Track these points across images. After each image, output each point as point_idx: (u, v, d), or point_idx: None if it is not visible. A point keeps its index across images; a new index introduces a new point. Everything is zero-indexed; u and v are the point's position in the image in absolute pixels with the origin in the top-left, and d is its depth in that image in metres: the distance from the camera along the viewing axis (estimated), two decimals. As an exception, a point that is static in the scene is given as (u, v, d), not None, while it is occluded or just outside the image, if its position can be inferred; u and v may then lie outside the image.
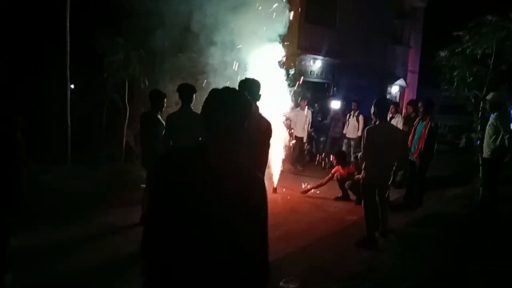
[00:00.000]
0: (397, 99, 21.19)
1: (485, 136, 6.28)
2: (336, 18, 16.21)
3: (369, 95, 11.51)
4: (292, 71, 10.47)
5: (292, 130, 10.00)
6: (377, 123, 5.08)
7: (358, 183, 6.09)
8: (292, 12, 7.69)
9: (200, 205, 1.58)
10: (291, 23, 7.67)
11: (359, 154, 5.99)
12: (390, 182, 5.25)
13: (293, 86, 10.10)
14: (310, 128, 10.53)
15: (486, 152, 6.26)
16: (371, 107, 5.11)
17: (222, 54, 7.24)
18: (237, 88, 2.52)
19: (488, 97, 6.45)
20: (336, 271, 4.32)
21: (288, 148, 9.12)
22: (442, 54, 7.07)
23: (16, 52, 7.45)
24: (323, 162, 10.48)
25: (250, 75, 4.89)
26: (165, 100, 5.44)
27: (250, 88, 3.59)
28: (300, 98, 10.37)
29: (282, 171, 8.01)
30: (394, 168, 5.14)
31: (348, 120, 10.28)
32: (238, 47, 7.16)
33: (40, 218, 5.09)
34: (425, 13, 23.66)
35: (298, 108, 10.08)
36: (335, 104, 11.27)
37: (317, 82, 15.74)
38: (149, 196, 1.73)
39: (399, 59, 21.87)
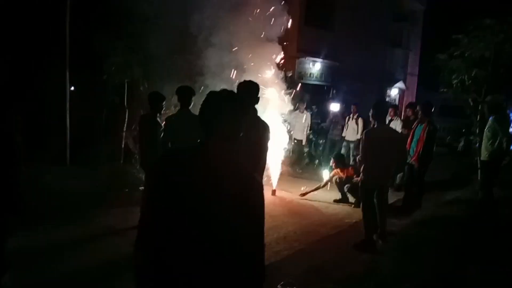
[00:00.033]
0: (397, 102, 21.16)
1: (484, 138, 6.30)
2: (335, 20, 16.23)
3: (369, 98, 11.54)
4: (289, 74, 10.46)
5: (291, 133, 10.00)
6: (375, 126, 5.09)
7: (357, 186, 6.10)
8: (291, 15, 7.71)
9: (200, 205, 1.60)
10: (290, 25, 7.69)
11: (358, 157, 6.01)
12: (389, 183, 5.26)
13: (292, 89, 10.10)
14: (309, 130, 10.53)
15: (484, 155, 6.28)
16: (370, 109, 5.13)
17: (220, 56, 7.25)
18: (235, 91, 2.53)
19: (487, 100, 6.49)
20: (336, 272, 4.33)
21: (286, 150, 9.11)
22: (441, 57, 7.10)
23: (16, 53, 7.46)
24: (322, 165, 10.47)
25: (248, 77, 4.90)
26: (164, 102, 5.45)
27: (248, 90, 3.58)
28: (299, 101, 10.37)
29: (281, 174, 8.02)
30: (393, 169, 5.15)
31: (347, 122, 10.25)
32: (234, 49, 7.17)
33: (40, 218, 5.11)
34: (424, 15, 23.69)
35: (297, 111, 10.08)
36: (335, 107, 11.26)
37: (316, 85, 15.75)
38: (147, 197, 1.73)
39: (399, 62, 21.85)
